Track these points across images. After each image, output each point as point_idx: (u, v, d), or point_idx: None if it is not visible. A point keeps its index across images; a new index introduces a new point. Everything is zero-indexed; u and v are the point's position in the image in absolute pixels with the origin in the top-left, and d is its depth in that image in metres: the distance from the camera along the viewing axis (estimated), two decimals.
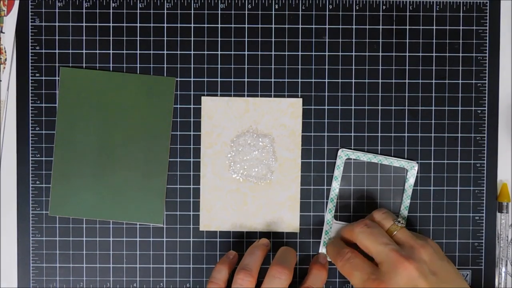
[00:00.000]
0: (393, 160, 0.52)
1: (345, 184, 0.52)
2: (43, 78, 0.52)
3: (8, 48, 0.52)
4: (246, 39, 0.52)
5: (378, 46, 0.52)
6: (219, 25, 0.52)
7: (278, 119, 0.52)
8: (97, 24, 0.52)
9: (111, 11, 0.52)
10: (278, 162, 0.52)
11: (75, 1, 0.52)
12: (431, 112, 0.53)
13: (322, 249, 0.52)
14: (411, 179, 0.52)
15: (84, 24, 0.52)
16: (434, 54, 0.53)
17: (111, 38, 0.52)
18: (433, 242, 0.47)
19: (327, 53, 0.52)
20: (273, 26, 0.52)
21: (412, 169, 0.52)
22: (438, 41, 0.52)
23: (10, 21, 0.52)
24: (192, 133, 0.53)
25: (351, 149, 0.52)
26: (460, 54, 0.53)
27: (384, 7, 0.52)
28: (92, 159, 0.52)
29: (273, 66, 0.52)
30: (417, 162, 0.52)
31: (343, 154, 0.51)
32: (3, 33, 0.52)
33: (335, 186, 0.52)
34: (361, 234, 0.47)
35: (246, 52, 0.52)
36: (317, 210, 0.52)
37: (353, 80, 0.52)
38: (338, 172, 0.52)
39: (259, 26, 0.52)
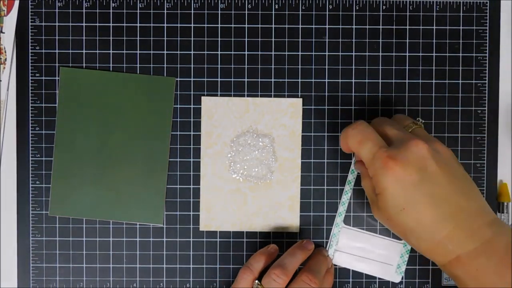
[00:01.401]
0: None
1: (358, 187, 0.52)
2: (43, 78, 0.52)
3: (8, 48, 0.52)
4: (246, 39, 0.52)
5: (378, 46, 0.52)
6: (219, 25, 0.52)
7: (278, 119, 0.52)
8: (97, 24, 0.52)
9: (111, 11, 0.52)
10: (278, 162, 0.52)
11: (75, 1, 0.52)
12: (431, 112, 0.53)
13: (329, 252, 0.52)
14: None
15: (84, 24, 0.52)
16: (434, 54, 0.53)
17: (111, 38, 0.52)
18: (451, 151, 0.44)
19: (327, 53, 0.52)
20: (273, 26, 0.52)
21: None
22: (438, 41, 0.52)
23: (10, 21, 0.52)
24: (192, 133, 0.53)
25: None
26: (460, 54, 0.53)
27: (384, 7, 0.52)
28: (92, 159, 0.52)
29: (273, 66, 0.52)
30: None
31: (352, 163, 0.51)
32: (3, 33, 0.52)
33: (348, 190, 0.52)
34: (379, 120, 0.45)
35: (246, 52, 0.52)
36: (317, 210, 0.52)
37: (353, 80, 0.52)
38: (352, 177, 0.52)
39: (259, 26, 0.52)
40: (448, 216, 0.40)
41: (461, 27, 0.53)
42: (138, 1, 0.52)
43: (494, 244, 0.39)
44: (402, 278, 0.52)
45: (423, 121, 0.46)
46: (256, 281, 0.46)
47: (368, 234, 0.52)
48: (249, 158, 0.52)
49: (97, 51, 0.52)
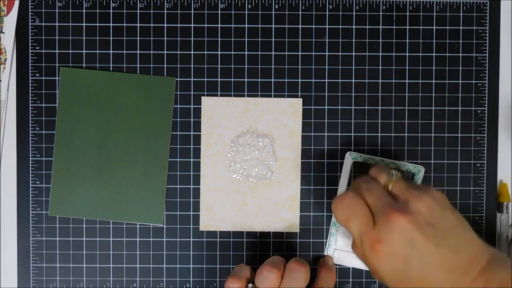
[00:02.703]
0: (400, 164, 0.51)
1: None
2: (43, 78, 0.52)
3: (8, 48, 0.52)
4: (246, 39, 0.52)
5: (378, 46, 0.52)
6: (219, 25, 0.52)
7: (278, 119, 0.52)
8: (97, 24, 0.52)
9: (111, 11, 0.52)
10: (278, 162, 0.52)
11: (75, 1, 0.52)
12: (431, 112, 0.53)
13: (328, 251, 0.52)
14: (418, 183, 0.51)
15: (84, 24, 0.52)
16: (434, 54, 0.53)
17: (111, 38, 0.52)
18: (434, 191, 0.43)
19: (327, 53, 0.52)
20: (273, 26, 0.52)
21: (419, 173, 0.51)
22: (438, 41, 0.53)
23: (10, 21, 0.52)
24: (192, 133, 0.53)
25: (358, 152, 0.52)
26: (460, 54, 0.53)
27: (384, 7, 0.52)
28: (92, 159, 0.52)
29: (273, 66, 0.52)
30: (423, 166, 0.52)
31: (351, 157, 0.51)
32: (3, 33, 0.52)
33: (342, 190, 0.52)
34: (357, 186, 0.45)
35: (246, 52, 0.52)
36: (317, 210, 0.52)
37: (353, 80, 0.52)
38: (344, 175, 0.51)
39: (259, 26, 0.52)
40: (441, 281, 0.40)
41: (461, 27, 0.53)
42: (138, 1, 0.52)
43: None
44: None
45: (398, 173, 0.44)
46: (250, 284, 0.46)
47: None
48: (249, 158, 0.52)
49: (97, 51, 0.52)
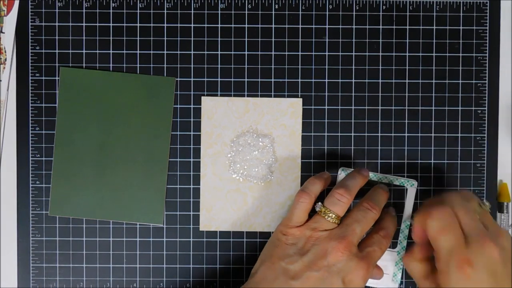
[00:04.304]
0: (393, 178, 0.51)
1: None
2: (43, 78, 0.52)
3: (8, 48, 0.52)
4: (246, 39, 0.52)
5: (378, 46, 0.52)
6: (219, 25, 0.52)
7: (278, 119, 0.52)
8: (97, 24, 0.52)
9: (111, 11, 0.52)
10: (278, 162, 0.52)
11: (75, 1, 0.52)
12: (431, 112, 0.53)
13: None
14: (411, 197, 0.51)
15: (84, 24, 0.52)
16: (434, 54, 0.53)
17: (111, 38, 0.52)
18: (509, 234, 0.44)
19: (327, 53, 0.52)
20: (273, 26, 0.52)
21: (412, 187, 0.51)
22: (438, 41, 0.53)
23: (10, 21, 0.52)
24: (192, 133, 0.53)
25: (351, 168, 0.51)
26: (460, 54, 0.53)
27: (384, 7, 0.52)
28: (92, 159, 0.52)
29: (273, 66, 0.52)
30: (417, 180, 0.52)
31: (344, 173, 0.51)
32: (3, 33, 0.52)
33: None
34: (452, 200, 0.44)
35: (246, 52, 0.52)
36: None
37: (353, 80, 0.52)
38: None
39: (259, 26, 0.52)
40: None
41: (461, 27, 0.53)
42: (138, 1, 0.52)
43: None
44: (403, 278, 0.52)
45: (489, 205, 0.45)
46: (319, 203, 0.46)
47: None
48: (249, 158, 0.52)
49: (97, 51, 0.52)
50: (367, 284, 0.52)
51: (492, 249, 0.41)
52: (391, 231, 0.48)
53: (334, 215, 0.45)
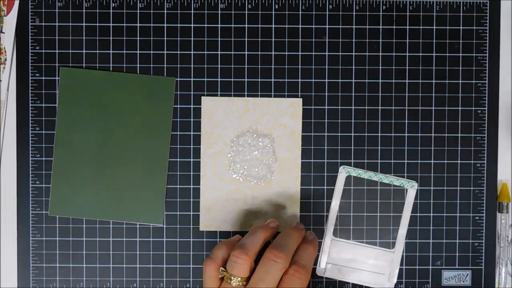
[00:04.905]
0: (393, 179, 0.51)
1: (345, 199, 0.52)
2: (43, 78, 0.52)
3: (8, 48, 0.52)
4: (246, 39, 0.52)
5: (378, 46, 0.52)
6: (219, 25, 0.52)
7: (278, 119, 0.52)
8: (97, 24, 0.52)
9: (111, 11, 0.52)
10: (278, 162, 0.52)
11: (75, 1, 0.52)
12: (431, 112, 0.53)
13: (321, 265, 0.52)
14: (410, 199, 0.51)
15: (84, 24, 0.52)
16: (434, 54, 0.53)
17: (111, 38, 0.52)
18: None
19: (327, 53, 0.52)
20: (273, 26, 0.52)
21: (411, 188, 0.51)
22: (438, 41, 0.53)
23: (10, 21, 0.52)
24: (192, 133, 0.53)
25: (351, 166, 0.52)
26: (460, 54, 0.53)
27: (384, 7, 0.52)
28: (92, 159, 0.52)
29: (273, 66, 0.52)
30: (417, 181, 0.52)
31: (344, 171, 0.51)
32: (3, 33, 0.52)
33: (335, 204, 0.52)
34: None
35: (246, 52, 0.52)
36: (317, 210, 0.52)
37: (353, 80, 0.52)
38: (338, 188, 0.51)
39: (259, 26, 0.52)
40: None
41: (461, 27, 0.53)
42: (138, 1, 0.52)
43: None
44: (402, 279, 0.52)
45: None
46: (221, 268, 0.45)
47: (358, 245, 0.52)
48: (249, 158, 0.52)
49: (97, 51, 0.52)
50: (364, 284, 0.52)
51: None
52: (305, 261, 0.45)
53: (236, 278, 0.44)
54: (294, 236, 0.46)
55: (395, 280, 0.51)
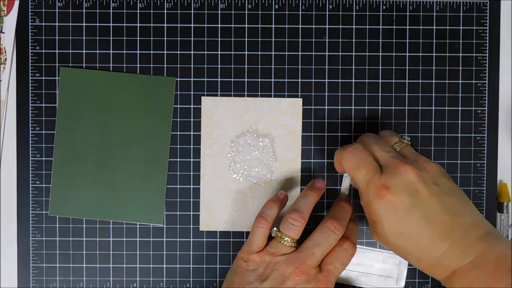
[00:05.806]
0: None
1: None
2: (43, 78, 0.52)
3: (8, 48, 0.52)
4: (246, 39, 0.52)
5: (378, 46, 0.52)
6: (219, 25, 0.52)
7: (278, 119, 0.52)
8: (97, 24, 0.52)
9: (111, 11, 0.52)
10: (278, 162, 0.52)
11: (75, 1, 0.52)
12: (431, 112, 0.53)
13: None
14: None
15: (84, 24, 0.52)
16: (434, 54, 0.53)
17: (111, 38, 0.52)
18: (439, 165, 0.44)
19: (327, 53, 0.52)
20: (273, 26, 0.52)
21: None
22: (438, 41, 0.53)
23: (10, 21, 0.52)
24: (192, 133, 0.53)
25: None
26: (460, 54, 0.53)
27: (384, 7, 0.52)
28: (92, 159, 0.52)
29: (273, 66, 0.52)
30: None
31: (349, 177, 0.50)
32: (3, 33, 0.52)
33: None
34: (366, 140, 0.46)
35: (246, 52, 0.52)
36: (317, 210, 0.52)
37: (353, 80, 0.52)
38: (344, 189, 0.50)
39: (259, 26, 0.52)
40: (443, 236, 0.41)
41: (461, 27, 0.53)
42: (138, 1, 0.52)
43: (487, 257, 0.40)
44: (407, 279, 0.52)
45: (409, 138, 0.47)
46: (275, 228, 0.46)
47: (366, 249, 0.52)
48: (249, 158, 0.52)
49: (97, 51, 0.52)
50: (374, 285, 0.52)
51: (407, 171, 0.42)
52: (354, 239, 0.47)
53: (289, 239, 0.45)
54: (349, 211, 0.48)
55: (403, 282, 0.51)
